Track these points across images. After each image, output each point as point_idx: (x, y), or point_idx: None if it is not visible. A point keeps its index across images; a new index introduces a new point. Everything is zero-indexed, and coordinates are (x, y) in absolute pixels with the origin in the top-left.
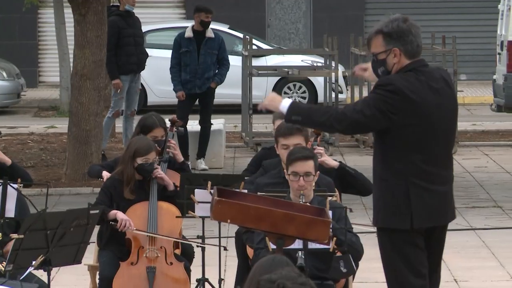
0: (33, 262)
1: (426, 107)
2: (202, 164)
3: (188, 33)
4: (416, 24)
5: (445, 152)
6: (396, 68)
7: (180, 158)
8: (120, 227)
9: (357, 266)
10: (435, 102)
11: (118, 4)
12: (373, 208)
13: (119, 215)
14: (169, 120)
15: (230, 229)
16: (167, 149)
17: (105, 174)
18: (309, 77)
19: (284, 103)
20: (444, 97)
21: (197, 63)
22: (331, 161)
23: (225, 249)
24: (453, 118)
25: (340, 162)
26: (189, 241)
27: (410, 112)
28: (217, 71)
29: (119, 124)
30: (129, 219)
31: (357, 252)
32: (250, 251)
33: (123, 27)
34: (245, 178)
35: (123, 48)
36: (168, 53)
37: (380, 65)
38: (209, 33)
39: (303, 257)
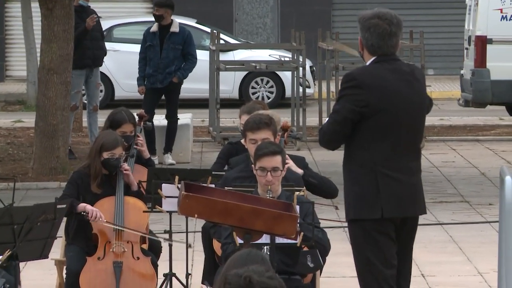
0: (0, 257)
1: (393, 94)
2: (169, 159)
3: (154, 28)
4: (387, 27)
5: (412, 143)
6: (364, 58)
7: (147, 154)
8: (91, 218)
9: (324, 261)
10: (403, 91)
11: None
12: (344, 202)
13: (89, 207)
14: (137, 115)
15: (198, 223)
16: (135, 146)
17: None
18: (276, 72)
19: None
20: (413, 89)
21: (160, 57)
22: (296, 169)
23: (190, 246)
24: (421, 111)
25: (304, 171)
26: (156, 236)
27: (377, 100)
28: (182, 66)
29: (85, 119)
30: (99, 211)
31: (323, 248)
32: (217, 246)
33: (77, 22)
34: (213, 172)
35: (78, 43)
36: (134, 48)
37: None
38: (174, 28)
39: (268, 253)
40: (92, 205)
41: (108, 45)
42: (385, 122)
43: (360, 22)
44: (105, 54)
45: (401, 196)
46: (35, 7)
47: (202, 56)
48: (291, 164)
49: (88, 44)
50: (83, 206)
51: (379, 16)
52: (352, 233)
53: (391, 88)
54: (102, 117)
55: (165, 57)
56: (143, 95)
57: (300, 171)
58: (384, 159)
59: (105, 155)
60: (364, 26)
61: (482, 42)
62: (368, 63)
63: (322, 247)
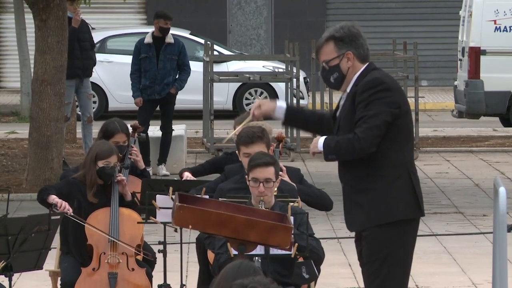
0: None
1: (405, 96)
2: (163, 170)
3: (148, 39)
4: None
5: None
6: (351, 72)
7: (142, 165)
8: (60, 208)
9: (318, 271)
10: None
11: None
12: (370, 208)
13: (58, 199)
14: (131, 126)
15: (192, 234)
16: (129, 156)
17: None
18: (270, 83)
19: (319, 144)
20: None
21: (156, 68)
22: (290, 183)
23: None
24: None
25: (298, 186)
26: (147, 254)
27: (403, 102)
28: (177, 76)
29: (79, 130)
30: (67, 204)
31: (317, 256)
32: (211, 257)
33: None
34: (206, 183)
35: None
36: (128, 59)
37: (333, 71)
38: (169, 39)
39: (259, 260)
40: (88, 215)
41: (102, 56)
42: (409, 123)
43: (345, 36)
44: (95, 64)
45: (421, 195)
46: (29, 19)
47: (196, 67)
48: (286, 178)
49: (78, 54)
50: (53, 197)
51: (352, 25)
52: (384, 238)
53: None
54: (95, 128)
55: (162, 68)
56: (138, 107)
57: (293, 186)
58: (411, 159)
59: (100, 163)
60: (353, 35)
61: (476, 53)
62: (361, 70)
63: (316, 255)
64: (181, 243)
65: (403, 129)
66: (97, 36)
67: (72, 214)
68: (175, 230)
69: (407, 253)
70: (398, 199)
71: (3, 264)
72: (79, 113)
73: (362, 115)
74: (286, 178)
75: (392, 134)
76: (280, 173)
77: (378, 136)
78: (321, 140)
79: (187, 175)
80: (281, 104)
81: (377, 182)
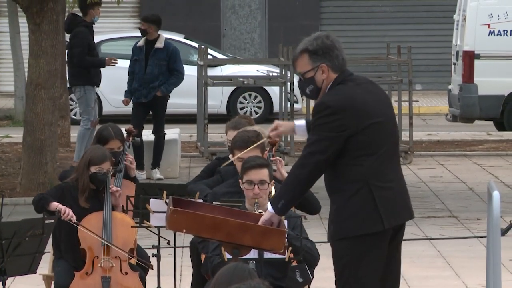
0: None
1: (369, 108)
2: (157, 174)
3: (140, 42)
4: (338, 39)
5: (394, 150)
6: (326, 84)
7: (133, 173)
8: (63, 215)
9: (312, 274)
10: (375, 102)
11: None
12: (332, 222)
13: (61, 206)
14: (125, 130)
15: (186, 238)
16: (124, 161)
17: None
18: (264, 87)
19: (270, 213)
20: (379, 95)
21: (144, 72)
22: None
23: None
24: (393, 115)
25: None
26: (142, 261)
27: (356, 121)
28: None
29: (74, 134)
30: (71, 210)
31: (312, 258)
32: None
33: (90, 39)
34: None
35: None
36: (122, 63)
37: (309, 83)
38: (158, 44)
39: (254, 263)
40: (80, 220)
41: None
42: (373, 136)
43: (318, 49)
44: None
45: (395, 204)
46: (23, 22)
47: (190, 71)
48: (283, 171)
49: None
50: (55, 205)
51: (326, 36)
52: (344, 251)
53: (367, 102)
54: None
55: (149, 73)
56: (131, 110)
57: None
58: (374, 172)
59: (93, 169)
60: (327, 47)
61: (470, 57)
62: (331, 83)
63: (311, 257)
64: (175, 247)
65: (362, 144)
66: None
67: (76, 221)
68: (168, 243)
69: (366, 267)
70: (355, 214)
71: None
72: (73, 117)
73: (308, 140)
74: (283, 171)
75: (349, 150)
76: (279, 165)
77: (320, 162)
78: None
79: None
80: (300, 122)
81: (338, 197)
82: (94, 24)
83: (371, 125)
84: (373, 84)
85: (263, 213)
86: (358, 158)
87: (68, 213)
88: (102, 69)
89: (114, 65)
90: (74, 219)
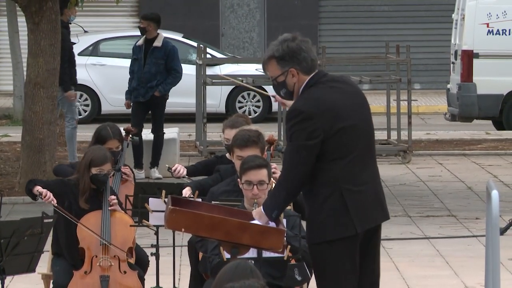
0: None
1: (341, 111)
2: (156, 173)
3: (140, 42)
4: (306, 39)
5: (369, 151)
6: (298, 86)
7: (129, 184)
8: (44, 198)
9: (311, 273)
10: (348, 104)
11: None
12: (309, 225)
13: (42, 189)
14: (124, 129)
15: (185, 237)
16: (122, 174)
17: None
18: (263, 86)
19: (263, 216)
20: (354, 96)
21: (142, 71)
22: None
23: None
24: (368, 115)
25: None
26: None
27: (328, 124)
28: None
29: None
30: (52, 194)
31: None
32: None
33: (69, 40)
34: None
35: (71, 60)
36: (121, 62)
37: (281, 87)
38: (157, 43)
39: (252, 262)
40: (79, 219)
41: (94, 59)
42: (344, 138)
43: (285, 54)
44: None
45: (368, 207)
46: (22, 22)
47: (189, 70)
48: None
49: (74, 62)
50: (37, 188)
51: (292, 39)
52: (320, 255)
53: (340, 105)
54: (89, 132)
55: (147, 72)
56: (130, 109)
57: None
58: (346, 175)
59: (94, 170)
60: (293, 51)
61: (469, 56)
62: (304, 84)
63: (309, 256)
64: (173, 246)
65: (335, 147)
66: (89, 39)
67: (57, 205)
68: (153, 254)
69: (343, 269)
70: (326, 219)
71: None
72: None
73: (286, 149)
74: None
75: (323, 154)
76: (274, 170)
77: (303, 172)
78: (260, 212)
79: (186, 191)
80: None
81: (312, 201)
82: (70, 23)
83: (343, 128)
84: (348, 84)
85: None
86: (331, 162)
87: (49, 196)
88: (101, 68)
89: (72, 101)
90: (54, 202)
